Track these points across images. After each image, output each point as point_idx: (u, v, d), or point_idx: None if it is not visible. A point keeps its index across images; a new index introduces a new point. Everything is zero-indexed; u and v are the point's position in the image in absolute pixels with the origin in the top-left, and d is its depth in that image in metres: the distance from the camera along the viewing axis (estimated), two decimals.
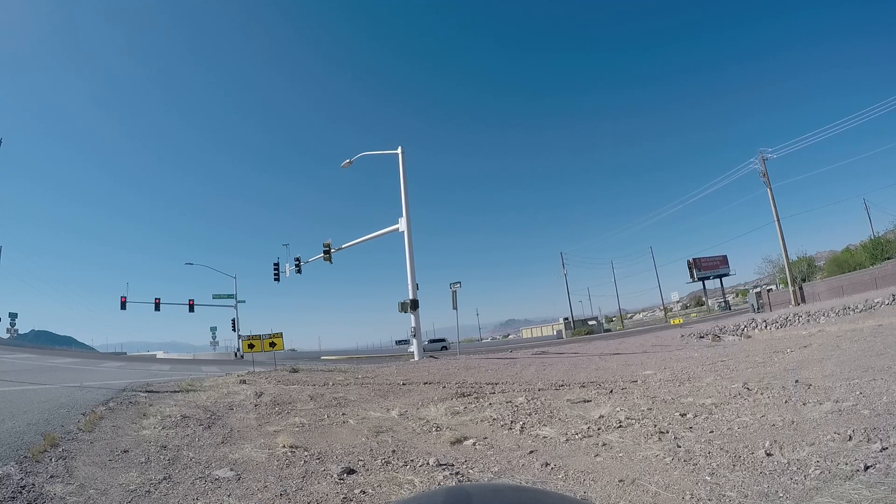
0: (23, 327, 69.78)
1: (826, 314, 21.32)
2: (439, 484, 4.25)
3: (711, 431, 5.26)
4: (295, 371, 15.66)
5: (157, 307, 44.12)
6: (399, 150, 26.07)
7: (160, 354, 61.21)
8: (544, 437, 5.76)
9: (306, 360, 32.08)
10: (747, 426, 5.30)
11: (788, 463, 3.96)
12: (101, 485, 4.23)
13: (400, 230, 25.30)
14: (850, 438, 4.25)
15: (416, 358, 22.65)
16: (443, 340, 50.28)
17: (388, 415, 7.59)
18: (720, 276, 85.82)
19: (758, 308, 39.36)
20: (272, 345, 17.80)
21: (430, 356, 23.43)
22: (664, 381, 9.49)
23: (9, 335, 57.05)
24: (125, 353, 66.69)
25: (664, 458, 4.49)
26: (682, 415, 6.15)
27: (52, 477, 4.28)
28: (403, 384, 11.43)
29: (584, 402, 7.79)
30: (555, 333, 72.44)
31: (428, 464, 4.80)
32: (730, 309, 66.71)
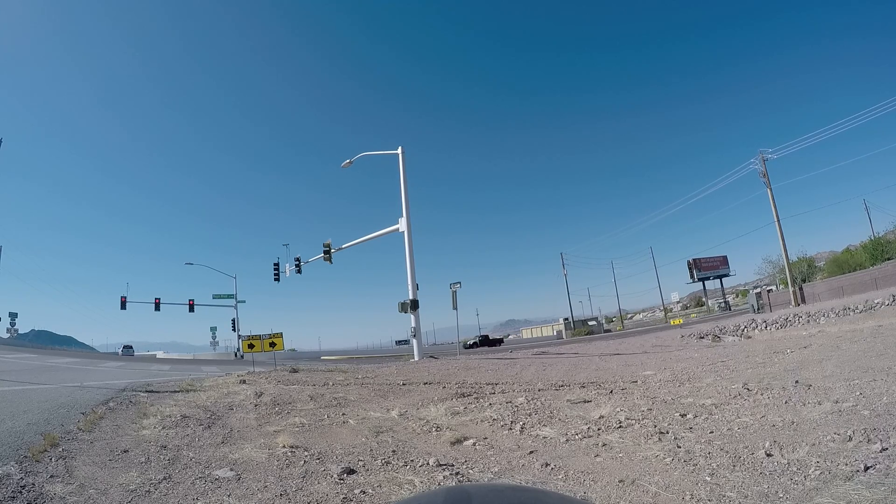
0: (23, 327, 69.91)
1: (826, 315, 21.31)
2: (439, 484, 4.25)
3: (711, 432, 5.26)
4: (295, 371, 15.65)
5: (157, 307, 44.15)
6: (399, 151, 26.06)
7: (160, 354, 61.29)
8: (544, 438, 5.76)
9: (306, 360, 32.08)
10: (747, 427, 5.29)
11: (788, 463, 3.96)
12: (101, 484, 4.23)
13: (400, 230, 25.29)
14: (850, 439, 4.25)
15: (416, 358, 22.64)
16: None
17: (388, 415, 7.58)
18: (720, 277, 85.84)
19: (758, 308, 39.33)
20: (272, 345, 17.79)
21: (430, 356, 23.37)
22: (664, 382, 9.48)
23: (9, 335, 57.07)
24: (130, 353, 66.65)
25: (664, 458, 4.48)
26: (683, 415, 6.15)
27: (52, 477, 4.28)
28: (403, 384, 11.43)
29: (585, 402, 7.78)
30: (555, 334, 72.41)
31: (428, 464, 4.80)
32: (730, 309, 66.70)
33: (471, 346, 49.62)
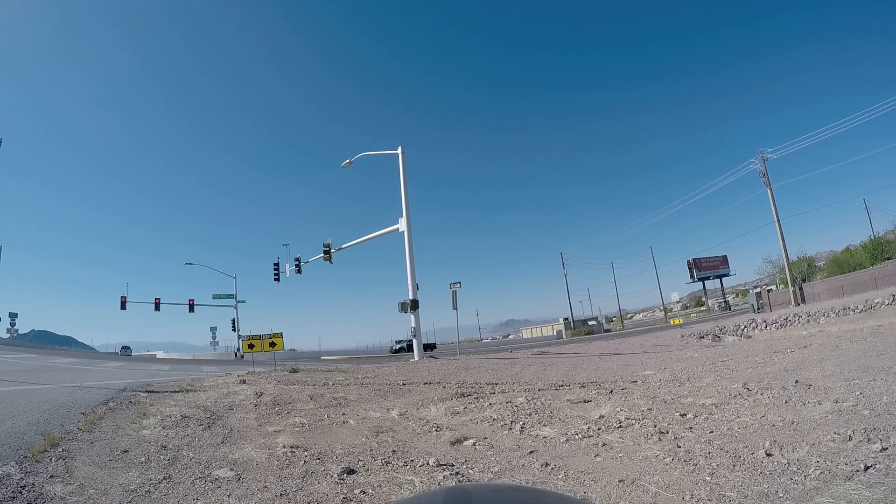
0: (23, 327, 69.99)
1: (826, 314, 21.32)
2: (439, 484, 4.25)
3: (711, 432, 5.26)
4: (295, 371, 15.66)
5: (157, 307, 44.16)
6: (399, 151, 26.07)
7: (160, 354, 61.38)
8: (544, 438, 5.76)
9: (306, 360, 32.08)
10: (747, 426, 5.29)
11: (788, 463, 3.96)
12: (101, 485, 4.23)
13: (400, 230, 25.29)
14: (850, 439, 4.25)
15: (416, 358, 22.64)
16: None
17: (388, 415, 7.59)
18: (720, 277, 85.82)
19: (758, 308, 39.34)
20: (272, 345, 17.80)
21: (431, 356, 23.39)
22: (664, 382, 9.48)
23: (9, 335, 57.08)
24: (128, 353, 66.67)
25: (664, 458, 4.48)
26: (683, 415, 6.15)
27: (52, 477, 4.28)
28: (403, 384, 11.43)
29: (585, 402, 7.79)
30: (555, 333, 72.39)
31: (428, 464, 4.80)
32: (730, 309, 66.70)
33: (397, 351, 46.53)
